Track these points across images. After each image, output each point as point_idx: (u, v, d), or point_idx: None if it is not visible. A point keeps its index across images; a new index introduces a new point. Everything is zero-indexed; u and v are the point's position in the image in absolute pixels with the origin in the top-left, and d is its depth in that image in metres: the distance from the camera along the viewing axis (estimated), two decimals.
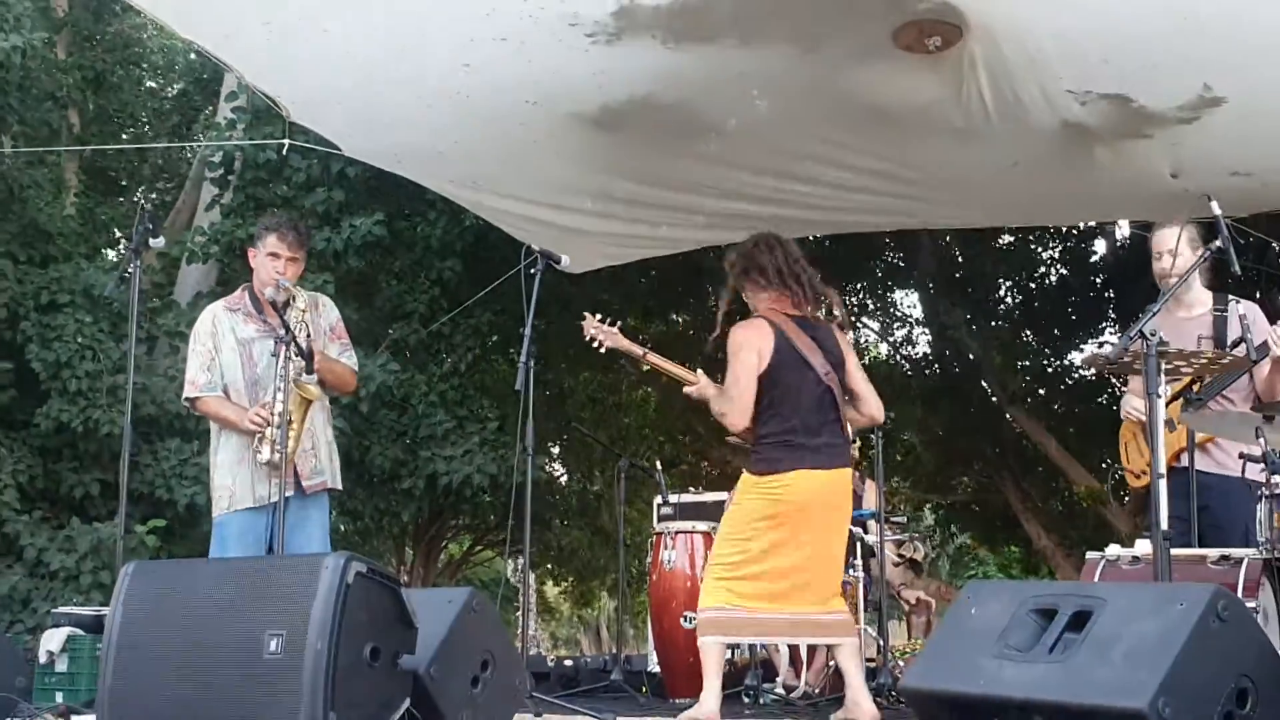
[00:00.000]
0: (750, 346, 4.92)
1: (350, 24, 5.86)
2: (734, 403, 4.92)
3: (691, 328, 15.09)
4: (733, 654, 6.77)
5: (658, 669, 7.08)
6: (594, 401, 16.86)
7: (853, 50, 5.97)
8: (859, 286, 14.59)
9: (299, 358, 5.14)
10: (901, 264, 15.02)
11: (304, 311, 5.39)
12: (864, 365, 5.86)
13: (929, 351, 16.16)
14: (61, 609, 6.23)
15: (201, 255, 10.43)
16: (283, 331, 5.13)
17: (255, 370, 5.41)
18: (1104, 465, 13.35)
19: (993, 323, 15.18)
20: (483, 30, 5.86)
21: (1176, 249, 5.31)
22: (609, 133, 6.82)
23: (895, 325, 16.55)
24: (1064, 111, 6.14)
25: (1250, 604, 4.37)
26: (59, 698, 5.25)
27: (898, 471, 15.82)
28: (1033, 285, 15.20)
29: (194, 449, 9.20)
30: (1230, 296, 5.49)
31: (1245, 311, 5.25)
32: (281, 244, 5.43)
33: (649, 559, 7.10)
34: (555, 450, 17.29)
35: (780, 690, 6.41)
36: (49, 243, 10.12)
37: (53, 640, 5.53)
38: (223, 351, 5.45)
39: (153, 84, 15.37)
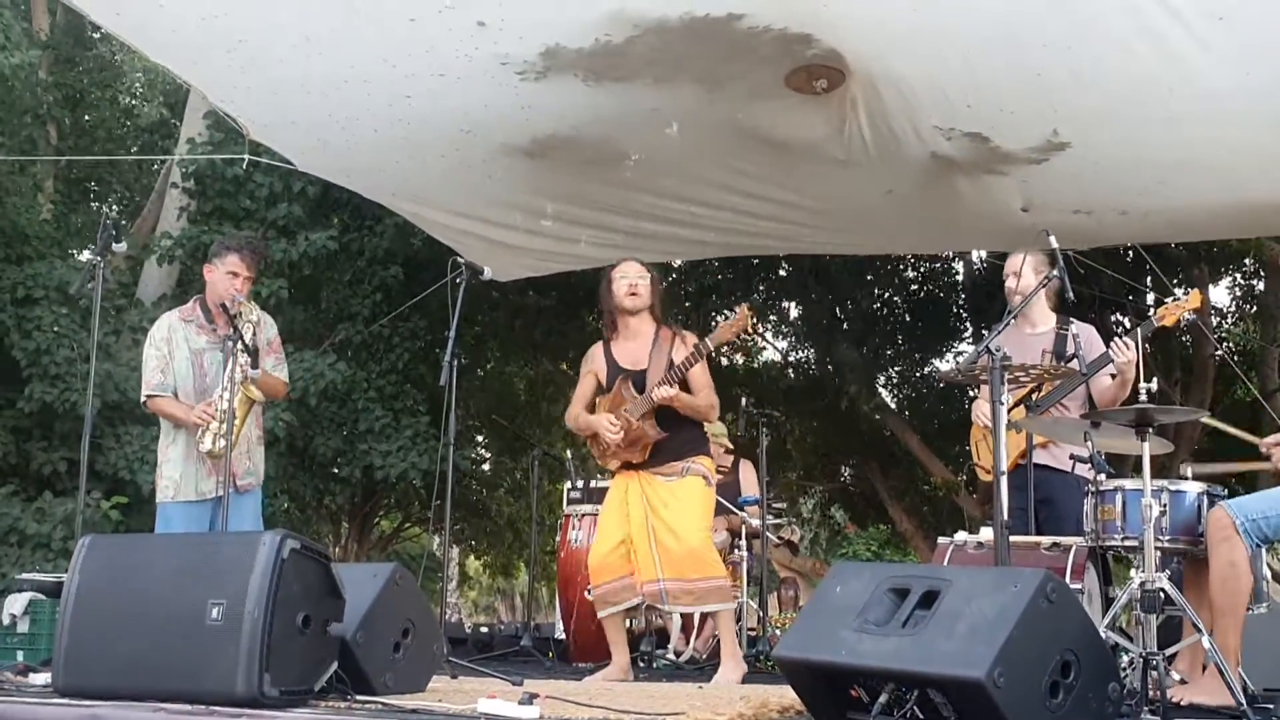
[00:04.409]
0: None
1: (304, 56, 5.78)
2: None
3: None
4: (630, 622, 6.77)
5: (563, 636, 7.05)
6: (518, 394, 16.81)
7: (751, 91, 6.00)
8: (754, 297, 14.59)
9: (245, 354, 5.12)
10: (791, 279, 15.05)
11: (255, 323, 5.44)
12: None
13: (811, 356, 16.24)
14: (24, 575, 6.08)
15: (168, 257, 10.25)
16: (231, 331, 5.14)
17: (205, 380, 5.42)
18: (960, 460, 13.54)
19: (866, 333, 15.27)
20: (422, 66, 5.83)
21: (1020, 271, 5.40)
22: (535, 159, 6.79)
23: (784, 331, 16.58)
24: (931, 144, 6.20)
25: (1076, 586, 4.44)
26: (20, 656, 5.11)
27: (778, 461, 15.86)
28: (901, 301, 15.33)
29: (154, 434, 9.02)
30: (1070, 318, 5.59)
31: (1079, 332, 5.35)
32: (242, 264, 5.48)
33: (559, 538, 7.07)
34: (482, 439, 17.16)
35: (672, 655, 6.41)
36: (25, 243, 9.87)
37: (16, 604, 5.40)
38: (175, 359, 5.47)
39: (127, 102, 15.01)
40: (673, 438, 5.20)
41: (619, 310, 5.38)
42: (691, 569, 5.05)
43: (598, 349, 5.51)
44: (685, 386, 5.17)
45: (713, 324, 11.49)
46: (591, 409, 5.41)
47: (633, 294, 5.35)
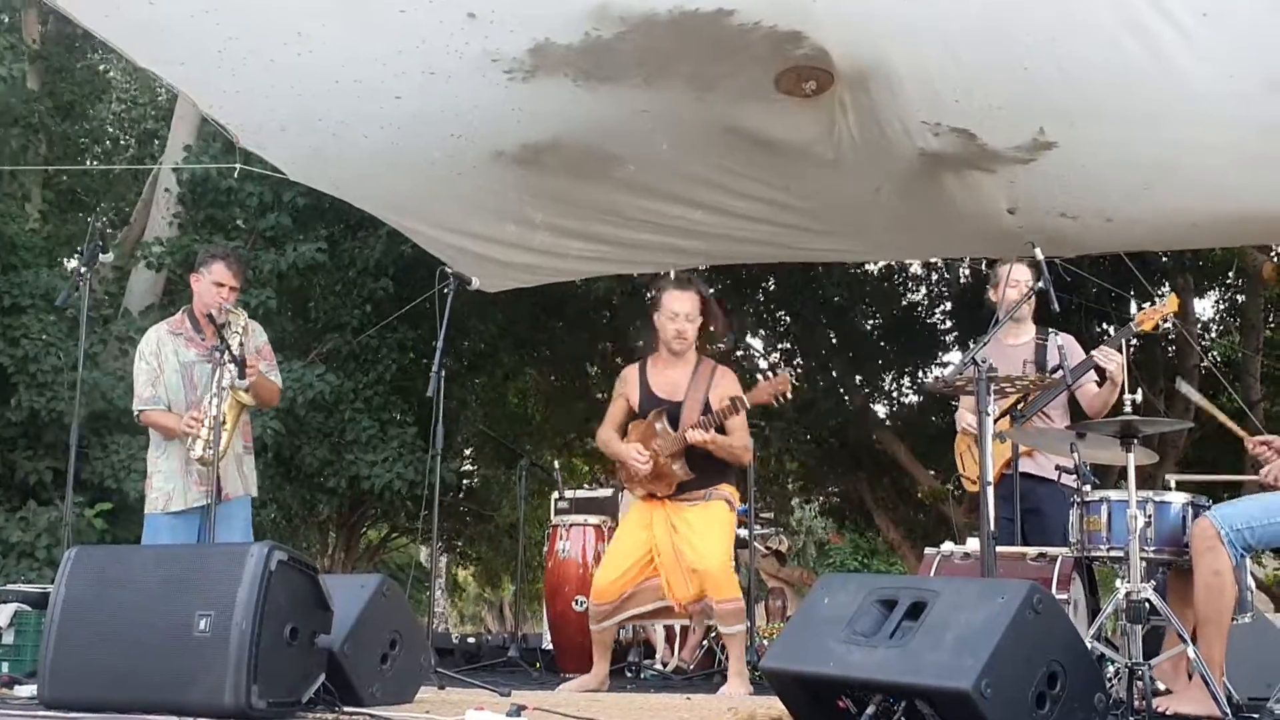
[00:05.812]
0: None
1: (294, 54, 5.70)
2: None
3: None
4: (619, 632, 6.76)
5: (551, 647, 7.04)
6: (512, 404, 16.76)
7: (741, 92, 5.97)
8: (746, 309, 14.60)
9: (233, 364, 5.11)
10: (780, 290, 15.06)
11: (244, 331, 5.43)
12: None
13: (801, 367, 16.22)
14: (10, 586, 6.03)
15: (157, 264, 10.18)
16: (218, 341, 5.14)
17: (195, 393, 5.42)
18: (948, 469, 13.53)
19: (855, 342, 15.28)
20: (413, 64, 5.76)
21: (1006, 281, 5.42)
22: (525, 165, 6.74)
23: (778, 343, 16.55)
24: (920, 140, 6.16)
25: (1062, 596, 4.45)
26: (4, 668, 5.06)
27: (770, 472, 15.85)
28: (892, 311, 15.34)
29: (140, 444, 8.97)
30: (1050, 329, 5.60)
31: (1063, 343, 5.38)
32: (228, 273, 5.47)
33: (546, 548, 7.06)
34: (472, 451, 17.09)
35: (659, 666, 6.41)
36: (12, 252, 9.81)
37: (1, 615, 5.35)
38: (166, 372, 5.47)
39: (117, 112, 14.93)
40: (700, 475, 5.20)
41: (663, 344, 5.35)
42: (712, 590, 5.08)
43: (633, 371, 5.47)
44: (720, 428, 5.15)
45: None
46: (623, 433, 5.37)
47: (680, 337, 5.29)
